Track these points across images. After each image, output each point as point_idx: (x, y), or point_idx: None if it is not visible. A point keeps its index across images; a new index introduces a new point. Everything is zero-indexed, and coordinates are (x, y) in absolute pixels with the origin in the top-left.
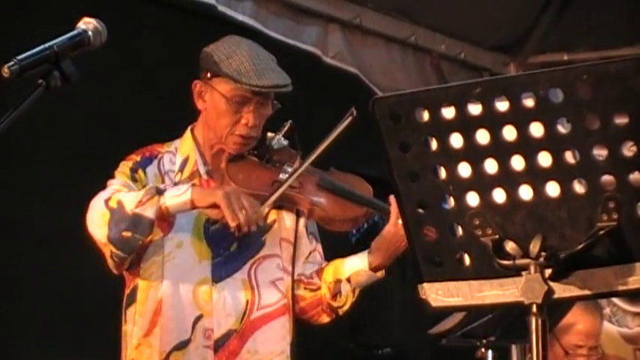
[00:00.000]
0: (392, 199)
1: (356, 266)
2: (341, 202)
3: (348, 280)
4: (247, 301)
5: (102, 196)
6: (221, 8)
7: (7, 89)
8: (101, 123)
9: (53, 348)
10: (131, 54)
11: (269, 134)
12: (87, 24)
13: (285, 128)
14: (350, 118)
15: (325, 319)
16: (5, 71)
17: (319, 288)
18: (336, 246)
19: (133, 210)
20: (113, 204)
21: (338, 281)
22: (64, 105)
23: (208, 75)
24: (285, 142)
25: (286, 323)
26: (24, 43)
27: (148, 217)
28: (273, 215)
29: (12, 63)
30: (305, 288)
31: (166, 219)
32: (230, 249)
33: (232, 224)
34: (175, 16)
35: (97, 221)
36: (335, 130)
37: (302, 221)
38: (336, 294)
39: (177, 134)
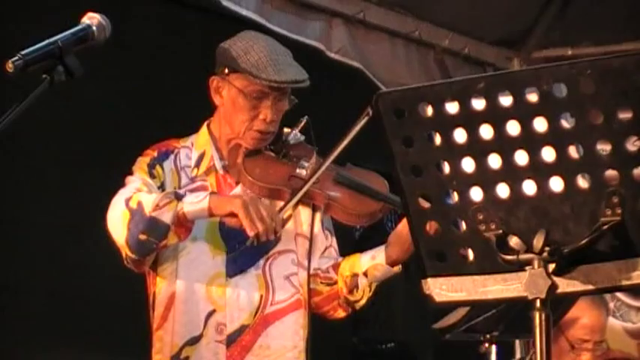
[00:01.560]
0: None
1: (373, 260)
2: (357, 197)
3: (365, 274)
4: (261, 297)
5: (123, 194)
6: (225, 3)
7: (11, 84)
8: (104, 119)
9: (55, 343)
10: (135, 49)
11: (285, 129)
12: (91, 19)
13: (301, 124)
14: (366, 119)
15: (341, 313)
16: (9, 66)
17: (336, 282)
18: (340, 241)
19: (150, 213)
20: (134, 204)
21: (355, 275)
22: (66, 100)
23: (226, 70)
24: (302, 138)
25: (299, 318)
26: (28, 38)
27: (164, 222)
28: (289, 210)
29: (16, 58)
30: (321, 282)
31: (184, 225)
32: (245, 243)
33: (251, 234)
34: (179, 11)
35: (117, 221)
36: (351, 131)
37: (318, 216)
38: (352, 288)
39: (182, 129)
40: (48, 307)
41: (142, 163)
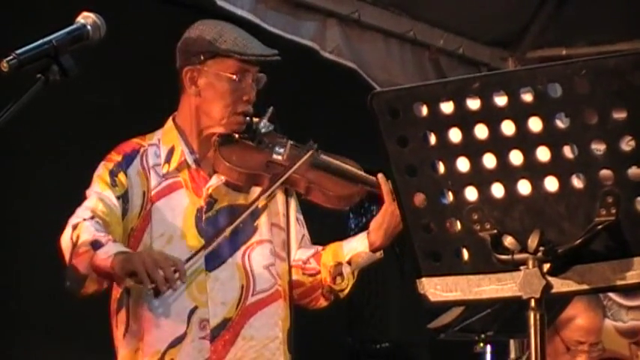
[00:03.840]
0: (380, 177)
1: (356, 248)
2: (335, 180)
3: (349, 262)
4: (242, 287)
5: (77, 215)
6: (220, 3)
7: (5, 84)
8: (101, 117)
9: (52, 343)
10: (130, 48)
11: (254, 119)
12: (86, 18)
13: (269, 114)
14: (310, 152)
15: (323, 303)
16: (4, 66)
17: (319, 272)
18: (335, 240)
19: (70, 260)
20: (74, 237)
21: (339, 264)
22: (63, 99)
23: (202, 58)
24: (272, 127)
25: (279, 309)
26: (23, 37)
27: (80, 272)
28: (263, 200)
29: (11, 57)
30: (304, 273)
31: (103, 276)
32: (224, 234)
33: (148, 287)
34: (174, 11)
35: (64, 250)
36: (295, 165)
37: (293, 206)
38: (336, 277)
39: None
40: (46, 307)
41: (104, 170)
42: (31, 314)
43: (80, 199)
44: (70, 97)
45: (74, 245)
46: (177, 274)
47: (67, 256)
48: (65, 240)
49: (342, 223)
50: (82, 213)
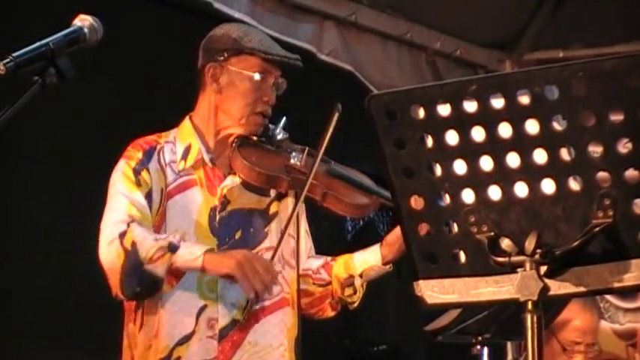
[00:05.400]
0: None
1: (368, 261)
2: (351, 188)
3: (360, 275)
4: None
5: (115, 222)
6: (217, 5)
7: (2, 86)
8: (97, 120)
9: (49, 344)
10: (127, 51)
11: (270, 125)
12: (83, 21)
13: (283, 122)
14: (337, 114)
15: (330, 313)
16: (1, 68)
17: (329, 283)
18: (332, 243)
19: (145, 266)
20: (128, 244)
21: (351, 277)
22: (59, 101)
23: (225, 55)
24: (287, 135)
25: (285, 317)
26: (20, 40)
27: (157, 276)
28: (274, 207)
29: (7, 60)
30: (313, 283)
31: (175, 275)
32: (235, 236)
33: (250, 295)
34: (171, 13)
35: (112, 260)
36: (327, 130)
37: (304, 216)
38: (345, 288)
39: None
40: (41, 310)
41: (127, 168)
42: (30, 316)
43: (78, 202)
44: (65, 100)
45: (134, 253)
46: (270, 277)
47: (119, 266)
48: (113, 251)
49: (339, 226)
50: (119, 218)
